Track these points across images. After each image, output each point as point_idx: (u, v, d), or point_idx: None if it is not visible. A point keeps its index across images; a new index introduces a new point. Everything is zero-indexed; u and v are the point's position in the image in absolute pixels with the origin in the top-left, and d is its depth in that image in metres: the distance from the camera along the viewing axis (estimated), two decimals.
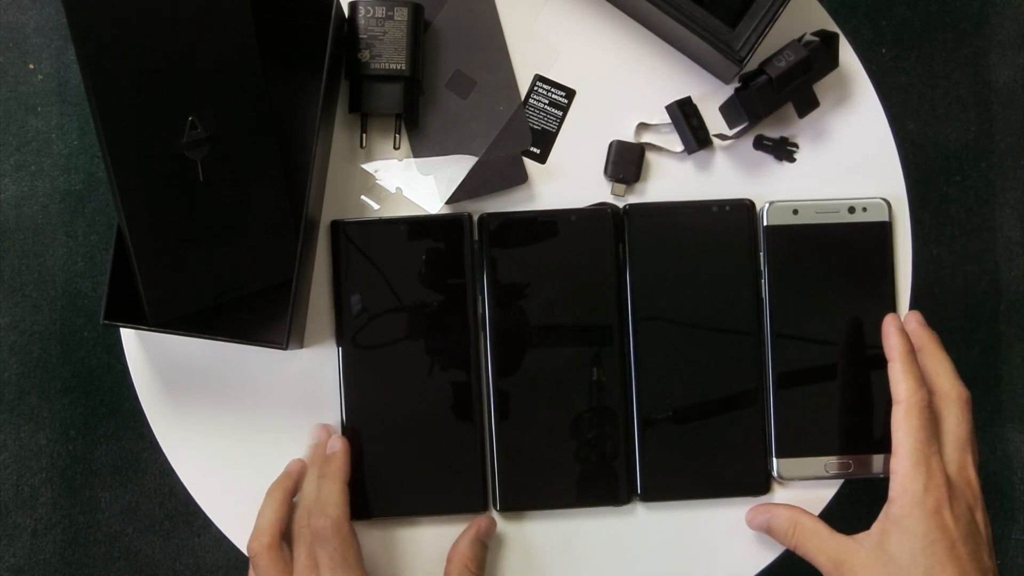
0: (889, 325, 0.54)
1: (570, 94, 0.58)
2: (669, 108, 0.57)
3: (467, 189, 0.57)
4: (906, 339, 0.53)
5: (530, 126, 0.58)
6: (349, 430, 0.56)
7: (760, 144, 0.58)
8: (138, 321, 0.52)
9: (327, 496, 0.52)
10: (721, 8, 0.54)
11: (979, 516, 0.49)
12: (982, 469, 1.12)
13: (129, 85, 0.48)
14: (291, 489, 0.54)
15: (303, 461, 0.56)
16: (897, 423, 0.50)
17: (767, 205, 0.56)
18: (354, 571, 0.50)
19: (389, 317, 0.56)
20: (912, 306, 0.57)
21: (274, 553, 0.51)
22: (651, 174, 0.58)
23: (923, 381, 0.52)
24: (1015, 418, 1.15)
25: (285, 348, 0.51)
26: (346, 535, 0.51)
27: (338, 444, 0.54)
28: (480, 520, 0.55)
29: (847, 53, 0.58)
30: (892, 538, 0.48)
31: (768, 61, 0.54)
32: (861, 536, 0.50)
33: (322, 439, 0.56)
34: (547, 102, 0.58)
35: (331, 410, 0.57)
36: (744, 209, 0.56)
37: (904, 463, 0.49)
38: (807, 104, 0.56)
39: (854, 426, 0.56)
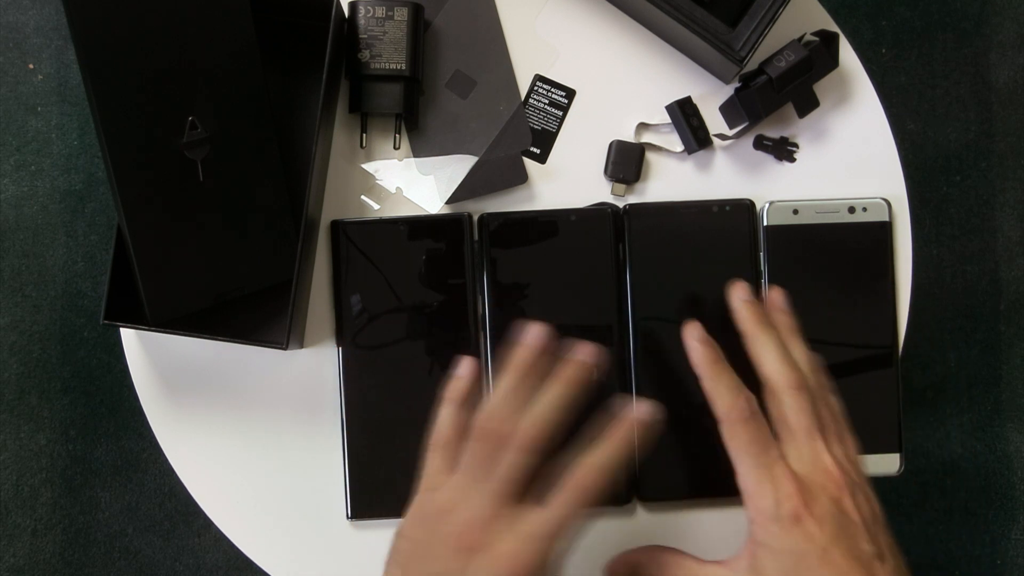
0: (688, 338, 0.49)
1: (570, 94, 0.58)
2: (669, 108, 0.57)
3: (467, 189, 0.57)
4: (708, 348, 0.48)
5: (530, 126, 0.58)
6: (349, 430, 0.56)
7: (760, 144, 0.58)
8: (138, 321, 0.52)
9: (606, 459, 0.45)
10: (721, 8, 0.54)
11: (847, 504, 0.44)
12: (981, 468, 1.13)
13: (129, 85, 0.48)
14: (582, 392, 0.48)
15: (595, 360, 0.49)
16: (727, 443, 0.46)
17: (767, 205, 0.56)
18: (569, 540, 0.44)
19: (389, 317, 0.56)
20: (912, 306, 0.57)
21: (540, 454, 0.45)
22: (651, 174, 0.58)
23: (738, 388, 0.47)
24: (1015, 418, 1.15)
25: (285, 348, 0.51)
26: (585, 508, 0.44)
27: (646, 412, 0.47)
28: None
29: (847, 53, 0.58)
30: (763, 561, 0.44)
31: (768, 61, 0.54)
32: (732, 561, 0.45)
33: (580, 357, 0.48)
34: (547, 102, 0.58)
35: (331, 410, 0.57)
36: (744, 209, 0.56)
37: (747, 482, 0.45)
38: (807, 104, 0.56)
39: (854, 426, 0.56)
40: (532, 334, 0.48)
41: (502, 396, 0.47)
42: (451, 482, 0.45)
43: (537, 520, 0.43)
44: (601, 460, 0.45)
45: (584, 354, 0.48)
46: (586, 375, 0.47)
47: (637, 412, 0.46)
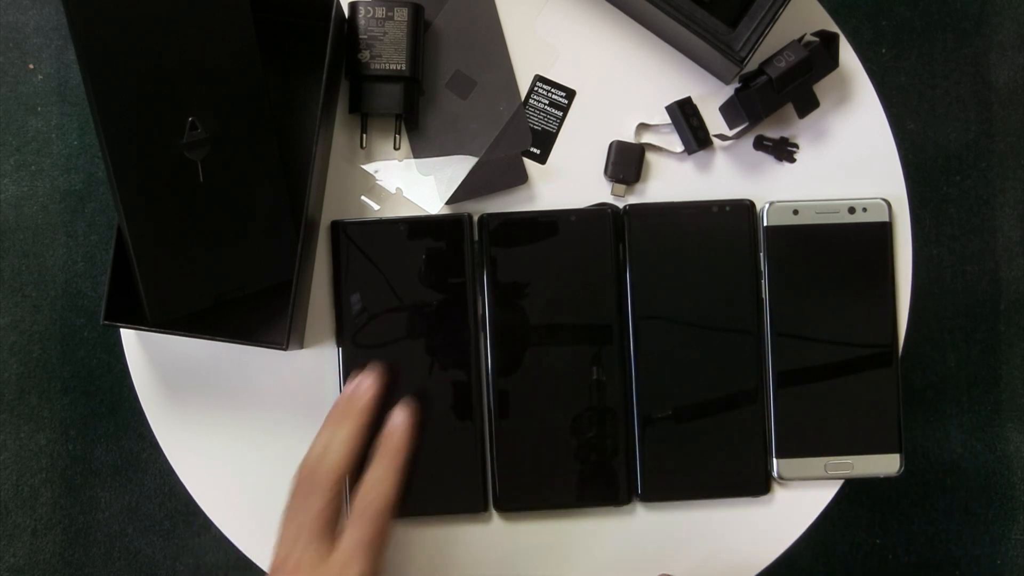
0: None
1: (570, 94, 0.58)
2: (669, 108, 0.57)
3: (467, 189, 0.57)
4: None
5: (530, 126, 0.58)
6: None
7: (760, 144, 0.58)
8: (138, 321, 0.52)
9: (381, 477, 0.48)
10: (721, 8, 0.54)
11: None
12: (981, 468, 1.13)
13: (129, 85, 0.48)
14: (370, 421, 0.51)
15: (378, 388, 0.52)
16: None
17: (767, 205, 0.56)
18: (374, 560, 0.46)
19: (389, 317, 0.56)
20: (912, 306, 0.57)
21: (339, 489, 0.48)
22: (651, 174, 0.58)
23: None
24: (1015, 418, 1.15)
25: (285, 348, 0.51)
26: (386, 524, 0.47)
27: (401, 421, 0.51)
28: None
29: (847, 53, 0.58)
30: None
31: (768, 61, 0.54)
32: None
33: (358, 391, 0.51)
34: (547, 102, 0.58)
35: None
36: (744, 209, 0.56)
37: None
38: (807, 104, 0.56)
39: (854, 426, 0.56)
40: (347, 388, 0.53)
41: (312, 448, 0.50)
42: (279, 538, 0.48)
43: (337, 557, 0.46)
44: (375, 478, 0.49)
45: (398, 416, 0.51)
46: (368, 408, 0.51)
47: (395, 422, 0.51)
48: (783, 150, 0.58)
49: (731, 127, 0.57)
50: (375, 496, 0.48)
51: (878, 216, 0.56)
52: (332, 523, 0.47)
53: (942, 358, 1.14)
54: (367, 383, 0.52)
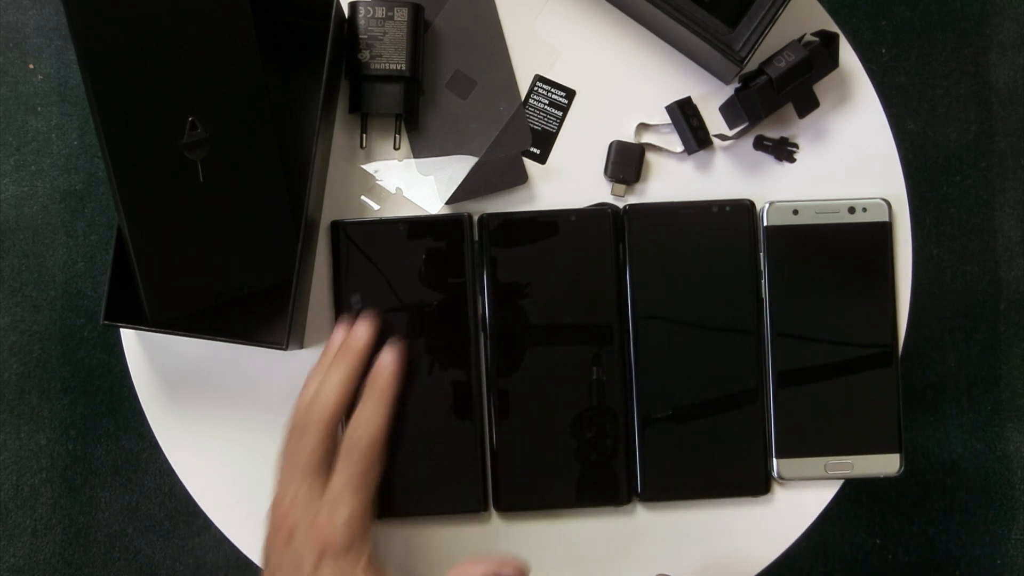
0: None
1: (570, 94, 0.58)
2: (669, 108, 0.57)
3: (467, 189, 0.57)
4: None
5: (530, 126, 0.58)
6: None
7: (760, 144, 0.58)
8: (138, 321, 0.52)
9: (368, 415, 0.50)
10: (721, 8, 0.54)
11: None
12: (981, 468, 1.13)
13: (129, 85, 0.48)
14: (362, 365, 0.52)
15: (371, 334, 0.53)
16: None
17: (767, 205, 0.56)
18: (365, 495, 0.49)
19: (389, 317, 0.56)
20: (912, 306, 0.57)
21: (332, 429, 0.49)
22: (651, 174, 0.58)
23: None
24: (1015, 418, 1.15)
25: (285, 348, 0.51)
26: (375, 460, 0.49)
27: (389, 360, 0.52)
28: (512, 561, 0.48)
29: (847, 53, 0.58)
30: None
31: (768, 61, 0.54)
32: None
33: (353, 337, 0.53)
34: (547, 102, 0.58)
35: None
36: (744, 209, 0.56)
37: None
38: (807, 104, 0.56)
39: (854, 426, 0.56)
40: (337, 335, 0.54)
41: (304, 390, 0.52)
42: (276, 478, 0.51)
43: (328, 494, 0.48)
44: (363, 416, 0.50)
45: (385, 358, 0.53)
46: (362, 353, 0.53)
47: (383, 362, 0.52)
48: (783, 150, 0.58)
49: (731, 127, 0.57)
50: (362, 433, 0.50)
51: (878, 216, 0.56)
52: (325, 462, 0.49)
53: (942, 358, 1.14)
54: (362, 330, 0.53)
